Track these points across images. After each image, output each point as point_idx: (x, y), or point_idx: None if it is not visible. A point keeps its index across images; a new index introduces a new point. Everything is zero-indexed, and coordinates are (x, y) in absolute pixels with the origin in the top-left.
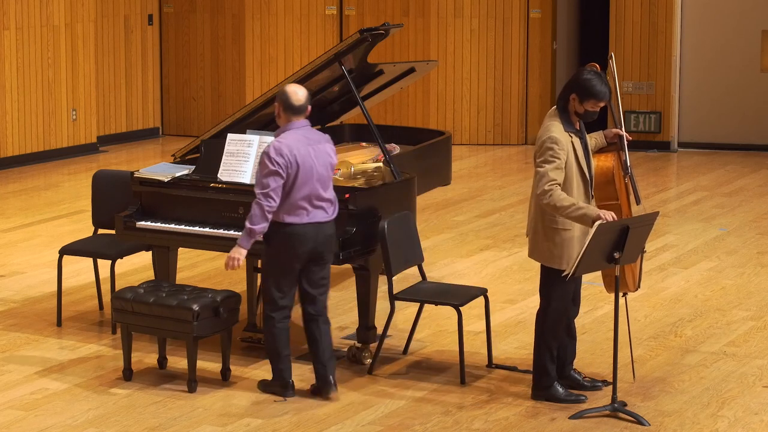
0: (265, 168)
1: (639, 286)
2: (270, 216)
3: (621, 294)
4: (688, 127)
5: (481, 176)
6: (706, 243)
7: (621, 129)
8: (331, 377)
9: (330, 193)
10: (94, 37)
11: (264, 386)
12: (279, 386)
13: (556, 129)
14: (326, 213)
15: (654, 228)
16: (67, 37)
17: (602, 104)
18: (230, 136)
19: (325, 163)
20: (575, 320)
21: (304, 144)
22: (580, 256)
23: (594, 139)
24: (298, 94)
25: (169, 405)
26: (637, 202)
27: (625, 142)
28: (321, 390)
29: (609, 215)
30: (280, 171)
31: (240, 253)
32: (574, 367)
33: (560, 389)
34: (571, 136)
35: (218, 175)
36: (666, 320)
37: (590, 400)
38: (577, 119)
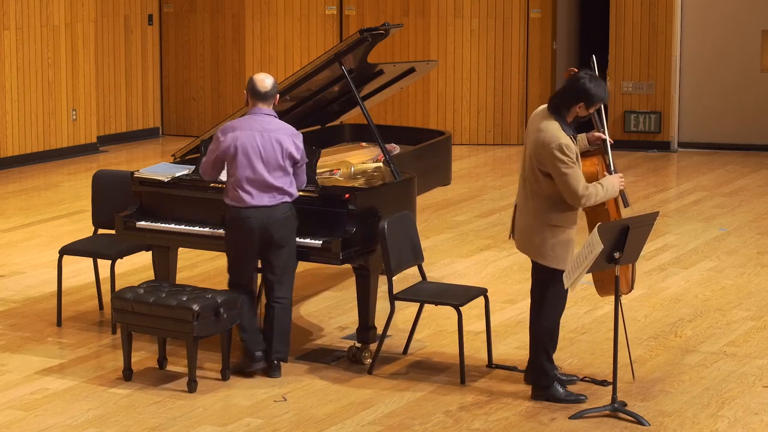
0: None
1: (632, 288)
2: (205, 177)
3: (628, 291)
4: (688, 127)
5: (481, 176)
6: (706, 243)
7: (604, 132)
8: (273, 359)
9: (280, 182)
10: (94, 37)
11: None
12: (245, 356)
13: (562, 134)
14: (272, 198)
15: (654, 228)
16: (67, 37)
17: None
18: None
19: (274, 150)
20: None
21: (253, 129)
22: (581, 270)
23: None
24: (264, 81)
25: (169, 405)
26: (625, 204)
27: (609, 146)
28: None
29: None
30: (217, 149)
31: None
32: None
33: (560, 389)
34: (571, 138)
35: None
36: (666, 320)
37: (589, 399)
38: (572, 124)
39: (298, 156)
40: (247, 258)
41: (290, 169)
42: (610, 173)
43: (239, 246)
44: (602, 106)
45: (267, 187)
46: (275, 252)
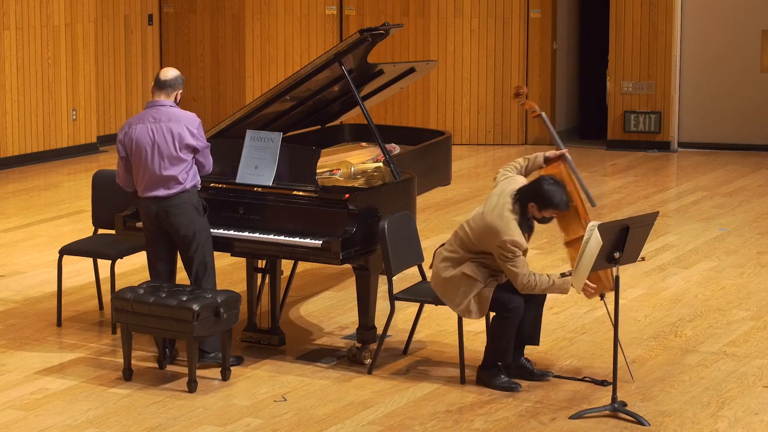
0: None
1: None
2: (122, 184)
3: (599, 296)
4: (688, 127)
5: (481, 176)
6: (706, 243)
7: (562, 149)
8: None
9: (172, 171)
10: (94, 37)
11: None
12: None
13: (516, 231)
14: (167, 189)
15: (654, 228)
16: (67, 37)
17: (559, 212)
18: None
19: (165, 140)
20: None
21: (146, 122)
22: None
23: (528, 160)
24: (167, 72)
25: (169, 405)
26: (592, 204)
27: (569, 159)
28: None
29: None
30: (119, 147)
31: None
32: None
33: (502, 377)
34: (525, 236)
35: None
36: (666, 320)
37: (589, 399)
38: (532, 221)
39: (194, 143)
40: (154, 249)
41: (187, 158)
42: (591, 202)
43: (148, 237)
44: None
45: (159, 178)
46: (183, 245)
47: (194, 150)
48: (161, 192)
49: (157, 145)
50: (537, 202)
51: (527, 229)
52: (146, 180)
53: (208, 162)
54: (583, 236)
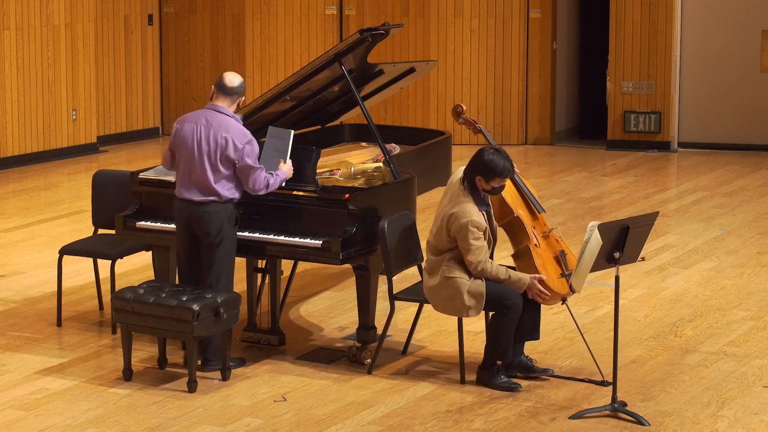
0: None
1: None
2: (165, 167)
3: (561, 301)
4: (688, 127)
5: None
6: (706, 243)
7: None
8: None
9: (211, 178)
10: (94, 37)
11: None
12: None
13: (473, 210)
14: (201, 194)
15: (654, 228)
16: (67, 37)
17: (506, 179)
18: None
19: (211, 147)
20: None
21: (198, 123)
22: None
23: None
24: (233, 79)
25: (169, 405)
26: (540, 210)
27: (519, 178)
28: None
29: (537, 279)
30: (171, 138)
31: None
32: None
33: (502, 377)
34: (483, 213)
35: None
36: (666, 320)
37: (589, 399)
38: (485, 195)
39: (234, 156)
40: (184, 249)
41: (226, 170)
42: (539, 210)
43: (178, 234)
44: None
45: (196, 182)
46: (207, 250)
47: (233, 164)
48: (195, 196)
49: (200, 148)
50: (482, 174)
51: (484, 206)
52: (183, 180)
53: (253, 182)
54: (528, 245)
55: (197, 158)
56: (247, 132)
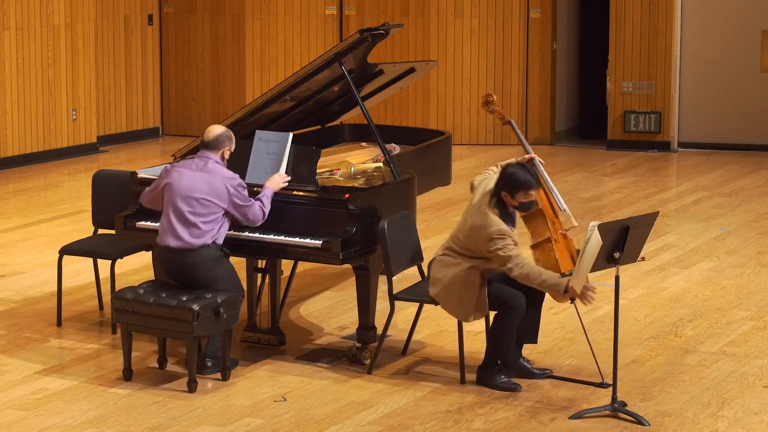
0: None
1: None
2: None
3: (569, 300)
4: (688, 127)
5: None
6: (706, 243)
7: (530, 153)
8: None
9: (193, 224)
10: (94, 37)
11: None
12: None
13: (501, 223)
14: (176, 239)
15: (654, 228)
16: (67, 37)
17: (533, 192)
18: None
19: (193, 190)
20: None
21: (184, 168)
22: (584, 271)
23: (501, 167)
24: (209, 133)
25: (169, 405)
26: (561, 208)
27: (538, 163)
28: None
29: (577, 290)
30: (158, 178)
31: None
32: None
33: (502, 377)
34: (511, 229)
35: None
36: (666, 320)
37: (589, 399)
38: (513, 212)
39: (222, 204)
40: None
41: (210, 212)
42: (561, 207)
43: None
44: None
45: (181, 226)
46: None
47: (223, 209)
48: (173, 243)
49: (185, 191)
50: (506, 189)
51: (510, 222)
52: (167, 224)
53: (252, 217)
54: (549, 238)
55: (183, 201)
56: (235, 175)
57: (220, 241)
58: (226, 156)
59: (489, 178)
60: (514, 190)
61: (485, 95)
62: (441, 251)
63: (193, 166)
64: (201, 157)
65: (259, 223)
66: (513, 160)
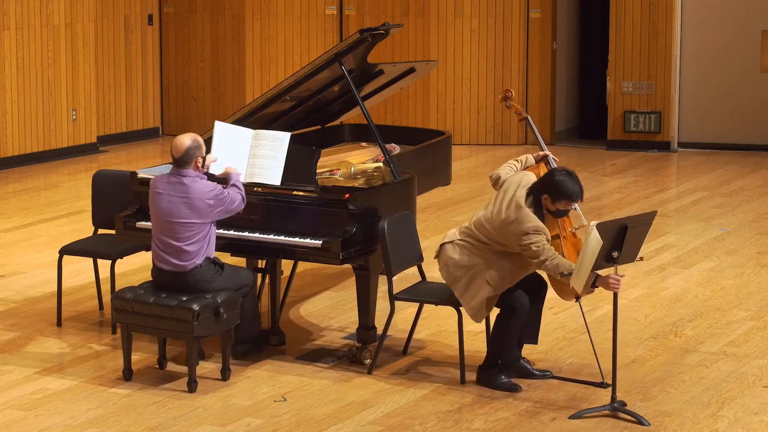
0: None
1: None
2: None
3: (575, 299)
4: (688, 127)
5: (481, 176)
6: (706, 243)
7: (545, 150)
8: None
9: (182, 250)
10: (94, 37)
11: None
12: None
13: (536, 218)
14: (167, 264)
15: (654, 228)
16: (67, 37)
17: (573, 203)
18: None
19: (173, 215)
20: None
21: (162, 189)
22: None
23: (520, 162)
24: (176, 147)
25: (169, 405)
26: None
27: (552, 160)
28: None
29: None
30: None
31: None
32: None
33: (502, 377)
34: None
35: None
36: (666, 320)
37: (589, 399)
38: (545, 213)
39: (207, 212)
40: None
41: (202, 232)
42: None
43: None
44: (536, 133)
45: (168, 246)
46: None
47: (206, 223)
48: (164, 264)
49: (164, 216)
50: (549, 193)
51: (541, 220)
52: (157, 243)
53: (236, 207)
54: (558, 234)
55: (166, 216)
56: (212, 186)
57: (212, 253)
58: (200, 163)
59: (527, 175)
60: (558, 197)
61: (504, 90)
62: (458, 236)
63: (169, 189)
64: (175, 175)
65: (243, 206)
66: (531, 156)
